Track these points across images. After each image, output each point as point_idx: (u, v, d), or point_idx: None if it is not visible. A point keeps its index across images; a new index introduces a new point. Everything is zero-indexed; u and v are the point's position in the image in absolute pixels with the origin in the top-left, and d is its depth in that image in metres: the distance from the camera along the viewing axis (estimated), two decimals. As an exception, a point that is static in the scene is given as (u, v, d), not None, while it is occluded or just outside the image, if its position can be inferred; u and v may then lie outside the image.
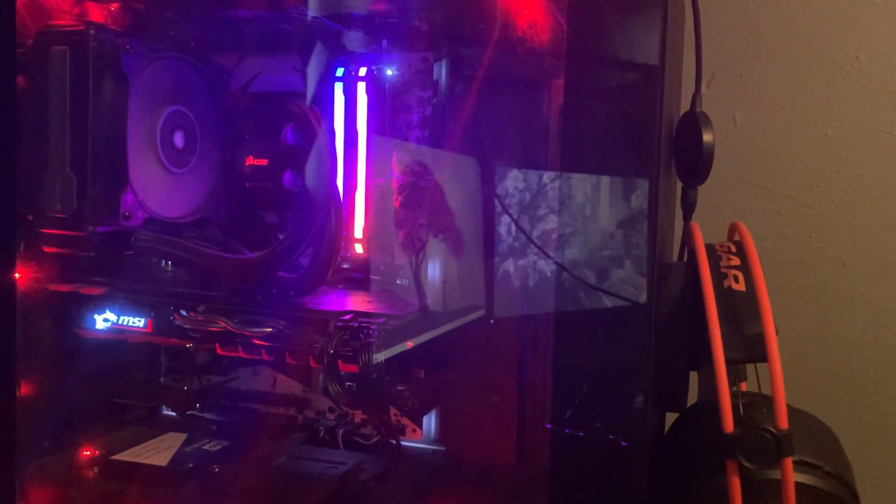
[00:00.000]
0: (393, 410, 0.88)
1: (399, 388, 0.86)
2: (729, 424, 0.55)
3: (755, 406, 0.57)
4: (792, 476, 0.54)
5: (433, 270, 0.82)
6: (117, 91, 0.75)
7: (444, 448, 0.88)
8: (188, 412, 0.95)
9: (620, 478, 0.61)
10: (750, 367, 0.72)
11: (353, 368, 0.68)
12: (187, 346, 0.88)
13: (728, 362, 0.56)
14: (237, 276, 0.76)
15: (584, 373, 0.62)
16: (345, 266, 0.88)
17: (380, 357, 0.69)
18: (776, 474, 0.56)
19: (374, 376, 0.67)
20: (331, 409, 0.91)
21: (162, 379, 0.98)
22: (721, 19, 1.06)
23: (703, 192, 1.04)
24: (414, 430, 0.89)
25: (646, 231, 0.59)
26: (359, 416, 0.90)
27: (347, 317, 0.71)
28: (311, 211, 0.71)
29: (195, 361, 0.95)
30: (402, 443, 0.86)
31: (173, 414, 0.96)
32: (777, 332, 0.58)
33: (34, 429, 0.81)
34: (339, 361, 0.71)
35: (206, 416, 0.94)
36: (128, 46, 0.75)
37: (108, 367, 0.92)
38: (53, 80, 0.75)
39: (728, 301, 0.59)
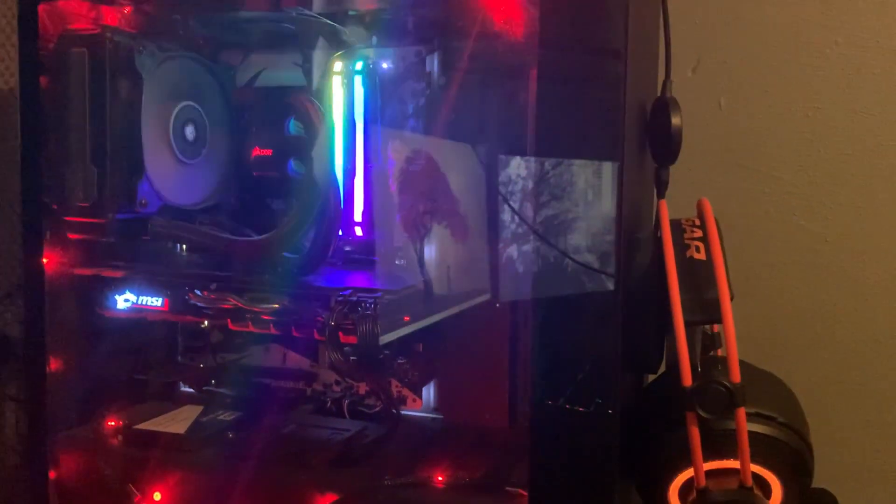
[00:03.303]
0: (394, 382, 0.94)
1: (399, 361, 0.92)
2: (687, 379, 0.61)
3: (712, 363, 0.62)
4: (745, 424, 0.60)
5: (429, 253, 0.88)
6: (132, 89, 0.81)
7: (442, 416, 0.95)
8: (204, 388, 1.01)
9: (596, 438, 0.66)
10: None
11: (353, 339, 0.75)
12: (202, 325, 0.95)
13: (687, 324, 0.61)
14: (246, 257, 0.82)
15: (563, 343, 0.67)
16: (347, 248, 0.94)
17: (379, 332, 0.75)
18: (732, 425, 0.61)
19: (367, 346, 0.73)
20: (337, 382, 0.98)
21: (179, 357, 1.05)
22: (705, 7, 1.11)
23: (692, 172, 1.10)
24: (414, 401, 0.95)
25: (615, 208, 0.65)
26: (363, 388, 0.96)
27: (347, 292, 0.77)
28: (311, 196, 0.77)
29: (210, 340, 1.02)
30: (403, 412, 0.93)
31: (190, 390, 1.03)
32: (733, 297, 0.64)
33: (63, 401, 0.88)
34: (340, 333, 0.77)
35: (221, 391, 1.01)
36: (141, 48, 0.81)
37: (128, 346, 0.99)
38: (73, 79, 0.81)
39: (689, 269, 0.64)
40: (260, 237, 0.81)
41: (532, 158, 0.68)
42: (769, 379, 0.71)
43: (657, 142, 0.79)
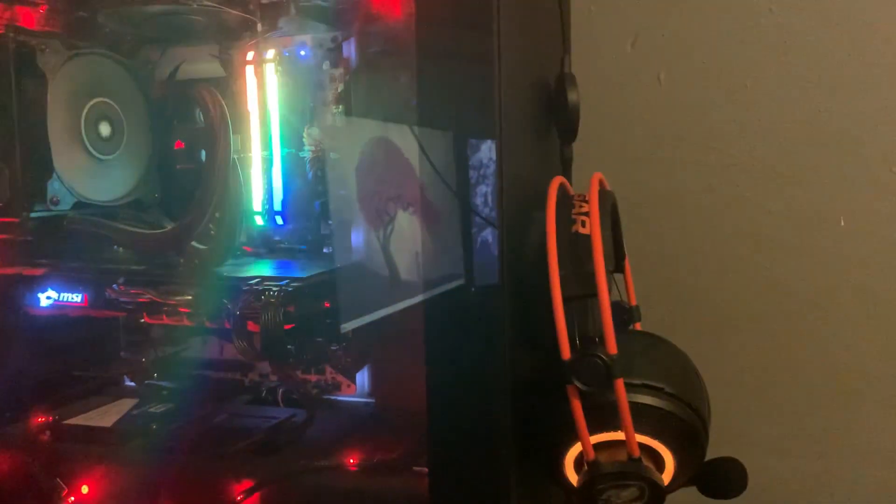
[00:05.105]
0: (329, 369, 0.95)
1: (333, 347, 0.93)
2: (566, 353, 0.61)
3: (591, 337, 0.62)
4: (625, 395, 0.60)
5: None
6: (36, 88, 0.82)
7: (374, 401, 0.95)
8: (146, 381, 1.02)
9: (489, 415, 0.67)
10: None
11: (255, 327, 0.75)
12: (141, 319, 0.96)
13: (566, 298, 0.61)
14: (154, 250, 0.83)
15: (454, 322, 0.67)
16: (276, 238, 0.95)
17: (282, 319, 0.75)
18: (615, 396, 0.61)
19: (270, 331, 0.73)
20: (273, 372, 0.98)
21: (122, 353, 1.06)
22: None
23: (634, 147, 1.09)
24: (349, 386, 0.95)
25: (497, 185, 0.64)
26: (298, 376, 0.96)
27: (254, 281, 0.78)
28: (210, 186, 0.77)
29: (149, 335, 1.03)
30: (338, 398, 0.94)
31: (134, 384, 1.04)
32: (615, 270, 0.63)
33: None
34: (250, 322, 0.78)
35: (163, 384, 1.02)
36: (44, 46, 0.82)
37: (68, 344, 1.00)
38: (-22, 81, 0.82)
39: (574, 244, 0.64)
40: (165, 229, 0.82)
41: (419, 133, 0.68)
42: (668, 351, 0.70)
43: (559, 119, 0.79)
